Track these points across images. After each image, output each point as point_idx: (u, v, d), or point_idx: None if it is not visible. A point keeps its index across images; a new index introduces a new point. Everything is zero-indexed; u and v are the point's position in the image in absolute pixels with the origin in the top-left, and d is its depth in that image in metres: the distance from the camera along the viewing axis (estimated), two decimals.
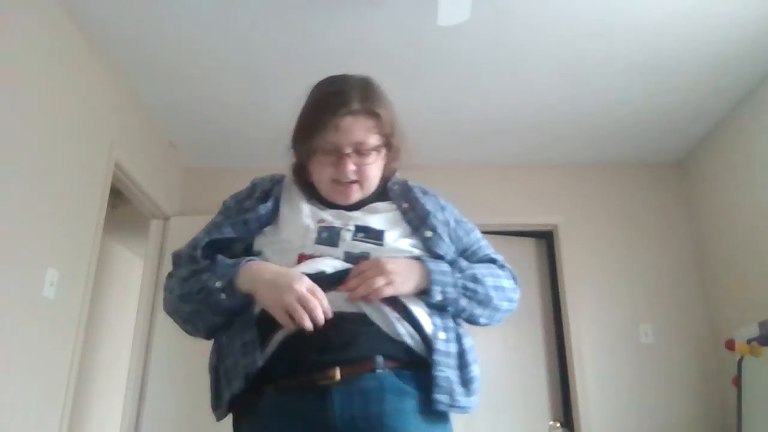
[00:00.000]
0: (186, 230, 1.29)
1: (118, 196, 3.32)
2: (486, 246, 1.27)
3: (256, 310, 1.03)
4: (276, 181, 1.23)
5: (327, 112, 1.10)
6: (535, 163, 3.85)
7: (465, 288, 1.10)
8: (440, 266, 1.09)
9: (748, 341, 2.86)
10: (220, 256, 1.07)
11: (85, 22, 2.55)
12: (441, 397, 0.99)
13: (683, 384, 3.37)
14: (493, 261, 1.23)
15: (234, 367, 1.00)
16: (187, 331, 1.13)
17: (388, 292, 1.02)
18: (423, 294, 1.07)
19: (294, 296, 0.95)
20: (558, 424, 3.42)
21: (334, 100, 1.11)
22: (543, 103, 3.19)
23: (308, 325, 0.94)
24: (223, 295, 1.01)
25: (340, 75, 1.20)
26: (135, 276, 3.95)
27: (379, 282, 1.01)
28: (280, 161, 1.25)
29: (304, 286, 0.96)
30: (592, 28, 2.60)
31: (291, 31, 2.62)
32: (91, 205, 2.70)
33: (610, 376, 3.40)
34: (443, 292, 1.07)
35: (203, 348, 1.13)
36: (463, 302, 1.10)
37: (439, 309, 1.08)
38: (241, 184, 1.25)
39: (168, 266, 1.20)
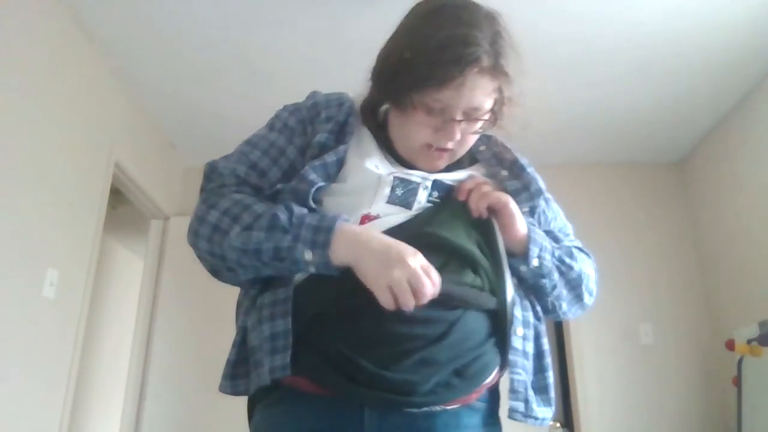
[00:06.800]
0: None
1: (118, 196, 3.32)
2: (570, 232, 1.09)
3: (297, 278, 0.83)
4: (347, 111, 0.97)
5: (453, 64, 0.82)
6: (534, 163, 3.81)
7: (561, 261, 0.93)
8: (538, 228, 0.93)
9: (748, 341, 2.86)
10: (296, 208, 0.83)
11: (86, 22, 2.55)
12: (517, 405, 0.85)
13: (683, 384, 3.37)
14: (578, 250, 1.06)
15: (259, 349, 0.82)
16: (213, 273, 0.91)
17: (509, 206, 0.89)
18: (517, 257, 0.90)
19: (406, 272, 0.75)
20: (558, 424, 3.42)
21: (463, 50, 0.82)
22: (542, 103, 3.18)
23: (411, 306, 0.76)
24: (312, 269, 0.80)
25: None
26: (135, 276, 3.95)
27: (503, 197, 0.89)
28: None
29: (419, 263, 0.77)
30: (592, 28, 2.60)
31: (291, 30, 2.62)
32: (91, 205, 2.70)
33: (610, 376, 3.40)
34: (540, 257, 0.90)
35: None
36: (556, 277, 0.92)
37: (525, 288, 0.91)
38: None
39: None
